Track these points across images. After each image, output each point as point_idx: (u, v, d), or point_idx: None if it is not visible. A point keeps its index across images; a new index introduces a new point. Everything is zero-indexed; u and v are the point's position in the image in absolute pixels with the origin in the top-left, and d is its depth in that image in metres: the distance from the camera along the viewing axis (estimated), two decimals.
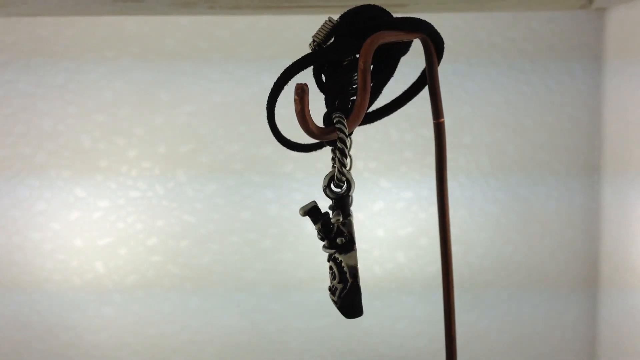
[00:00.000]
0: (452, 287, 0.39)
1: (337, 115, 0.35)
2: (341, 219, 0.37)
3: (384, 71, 0.38)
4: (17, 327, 0.74)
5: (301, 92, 0.33)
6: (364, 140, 0.71)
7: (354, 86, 0.37)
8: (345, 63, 0.37)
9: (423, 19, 0.39)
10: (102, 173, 0.72)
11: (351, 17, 0.37)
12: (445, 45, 0.40)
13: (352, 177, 0.37)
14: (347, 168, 0.36)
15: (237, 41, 0.71)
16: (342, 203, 0.37)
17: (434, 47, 0.39)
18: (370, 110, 0.39)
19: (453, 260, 0.73)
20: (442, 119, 0.39)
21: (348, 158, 0.36)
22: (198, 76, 0.72)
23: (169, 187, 0.73)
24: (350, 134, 0.36)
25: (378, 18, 0.37)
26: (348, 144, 0.36)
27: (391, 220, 0.73)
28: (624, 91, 0.68)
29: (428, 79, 0.39)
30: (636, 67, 0.65)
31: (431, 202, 0.73)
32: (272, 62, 0.71)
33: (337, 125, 0.35)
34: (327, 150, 0.39)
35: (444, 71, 0.71)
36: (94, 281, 0.73)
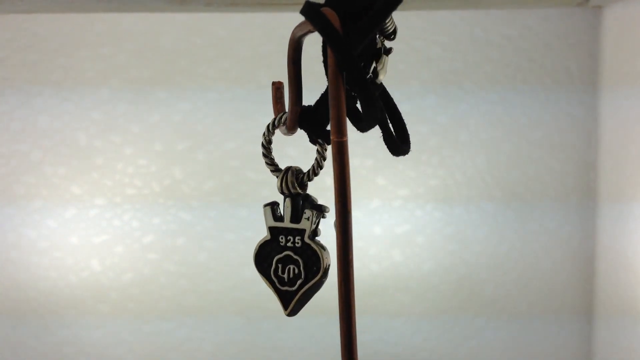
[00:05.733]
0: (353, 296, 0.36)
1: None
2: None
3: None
4: (12, 325, 0.74)
5: (276, 90, 0.35)
6: (360, 137, 0.71)
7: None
8: None
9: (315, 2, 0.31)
10: (98, 170, 0.72)
11: None
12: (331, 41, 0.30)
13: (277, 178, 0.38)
14: (272, 167, 0.38)
15: (233, 38, 0.71)
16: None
17: (324, 38, 0.30)
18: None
19: (450, 257, 0.73)
20: (345, 138, 0.32)
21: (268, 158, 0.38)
22: (194, 73, 0.72)
23: (165, 185, 0.73)
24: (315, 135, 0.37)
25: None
26: (265, 144, 0.37)
27: (387, 218, 0.73)
28: (620, 89, 0.68)
29: (329, 85, 0.32)
30: (633, 65, 0.65)
31: (428, 199, 0.73)
32: (268, 59, 0.71)
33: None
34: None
35: (440, 69, 0.71)
36: (90, 279, 0.73)
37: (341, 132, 0.32)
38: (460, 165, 0.73)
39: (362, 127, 0.36)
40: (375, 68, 0.36)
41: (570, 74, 0.72)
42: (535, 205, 0.73)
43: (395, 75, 0.71)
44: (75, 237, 0.73)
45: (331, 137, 0.32)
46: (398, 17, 0.73)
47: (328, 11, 0.31)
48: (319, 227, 0.38)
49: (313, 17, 0.31)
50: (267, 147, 0.37)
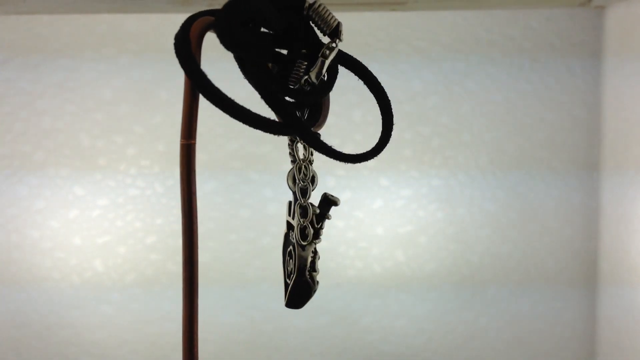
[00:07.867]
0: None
1: None
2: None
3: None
4: (15, 325, 0.74)
5: None
6: (363, 138, 0.71)
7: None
8: None
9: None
10: (101, 171, 0.72)
11: None
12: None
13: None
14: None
15: None
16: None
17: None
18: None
19: (453, 257, 0.73)
20: (193, 141, 0.34)
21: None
22: None
23: (168, 185, 0.73)
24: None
25: None
26: (290, 142, 0.39)
27: (390, 218, 0.73)
28: (622, 89, 0.68)
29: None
30: (635, 65, 0.65)
31: (430, 199, 0.73)
32: None
33: None
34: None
35: (442, 69, 0.71)
36: (92, 279, 0.73)
37: (189, 135, 0.33)
38: (463, 166, 0.72)
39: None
40: (309, 70, 0.35)
41: (573, 73, 0.72)
42: (537, 206, 0.73)
43: (398, 76, 0.71)
44: (78, 238, 0.73)
45: (180, 140, 0.32)
46: (399, 18, 0.73)
47: (199, 21, 0.31)
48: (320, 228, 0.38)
49: (180, 27, 0.30)
50: (291, 145, 0.39)
